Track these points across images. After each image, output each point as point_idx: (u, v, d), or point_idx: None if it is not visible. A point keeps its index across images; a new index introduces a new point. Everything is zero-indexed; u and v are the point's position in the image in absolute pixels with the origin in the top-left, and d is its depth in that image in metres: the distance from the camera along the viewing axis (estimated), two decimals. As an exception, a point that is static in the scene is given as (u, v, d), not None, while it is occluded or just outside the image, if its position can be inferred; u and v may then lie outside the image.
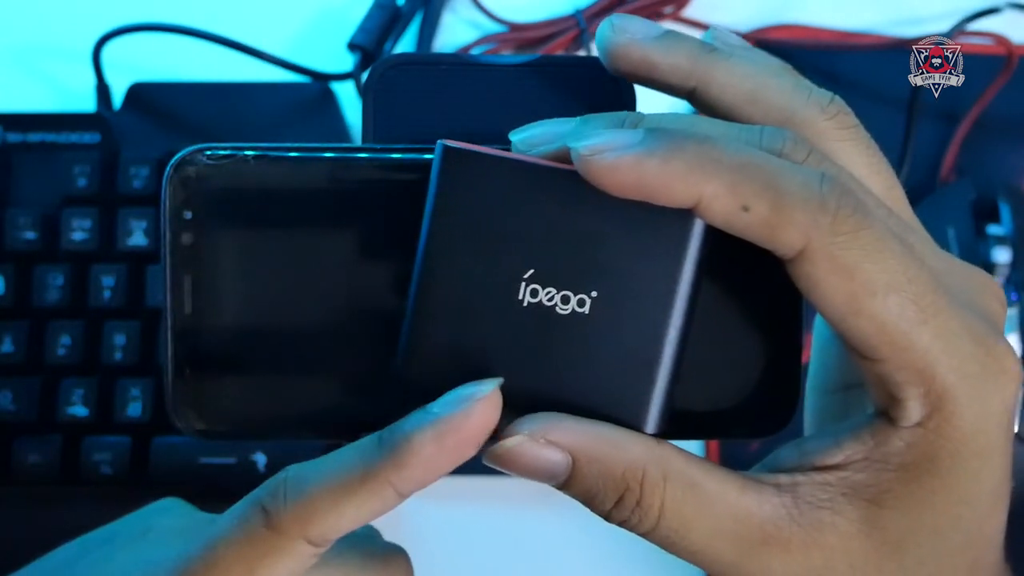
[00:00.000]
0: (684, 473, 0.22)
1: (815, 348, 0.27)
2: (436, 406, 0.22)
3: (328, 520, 0.22)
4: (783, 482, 0.23)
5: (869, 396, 0.23)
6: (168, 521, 0.27)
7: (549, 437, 0.22)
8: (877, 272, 0.21)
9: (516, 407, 0.22)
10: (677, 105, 0.51)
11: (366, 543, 0.27)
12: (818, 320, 0.27)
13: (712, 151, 0.21)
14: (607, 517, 0.23)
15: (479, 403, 0.22)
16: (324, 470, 0.23)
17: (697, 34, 0.25)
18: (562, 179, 0.22)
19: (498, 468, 0.22)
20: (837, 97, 0.24)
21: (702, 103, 0.24)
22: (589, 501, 0.22)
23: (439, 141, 0.22)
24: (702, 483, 0.22)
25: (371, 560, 0.27)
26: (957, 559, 0.23)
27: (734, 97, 0.23)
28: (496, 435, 0.22)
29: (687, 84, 0.24)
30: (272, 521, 0.22)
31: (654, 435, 0.22)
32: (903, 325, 0.21)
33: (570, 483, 0.22)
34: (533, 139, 0.22)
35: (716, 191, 0.20)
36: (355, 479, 0.22)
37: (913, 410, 0.22)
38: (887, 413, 0.22)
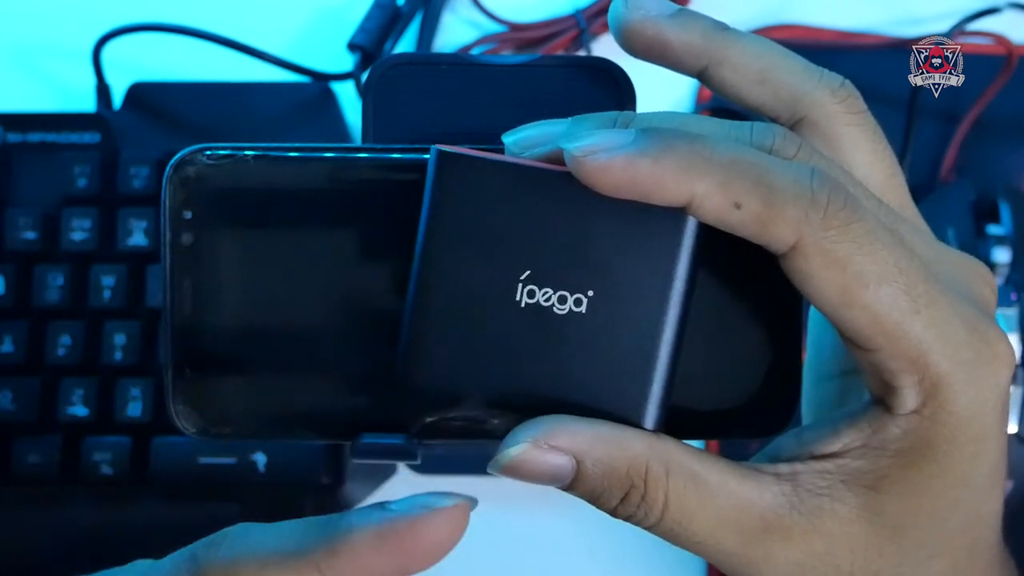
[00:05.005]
0: (685, 466, 0.22)
1: (809, 337, 0.28)
2: (396, 503, 0.21)
3: None
4: (782, 471, 0.23)
5: (865, 384, 0.23)
6: (141, 565, 0.26)
7: (552, 442, 0.22)
8: (868, 264, 0.21)
9: (516, 407, 0.22)
10: (677, 108, 0.50)
11: None
12: (812, 310, 0.27)
13: (703, 149, 0.21)
14: (613, 513, 0.23)
15: (436, 514, 0.20)
16: (264, 535, 0.22)
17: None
18: (556, 180, 0.22)
19: (504, 477, 0.22)
20: (847, 81, 0.24)
21: (713, 83, 0.24)
22: (594, 500, 0.23)
23: (433, 146, 0.22)
24: (703, 475, 0.22)
25: None
26: (956, 540, 0.23)
27: (745, 77, 0.24)
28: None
29: (699, 63, 0.24)
30: (198, 571, 0.22)
31: (653, 430, 0.22)
32: (896, 315, 0.21)
33: (575, 484, 0.22)
34: (526, 141, 0.22)
35: (708, 189, 0.21)
36: (287, 553, 0.21)
37: (908, 398, 0.22)
38: (883, 401, 0.22)
